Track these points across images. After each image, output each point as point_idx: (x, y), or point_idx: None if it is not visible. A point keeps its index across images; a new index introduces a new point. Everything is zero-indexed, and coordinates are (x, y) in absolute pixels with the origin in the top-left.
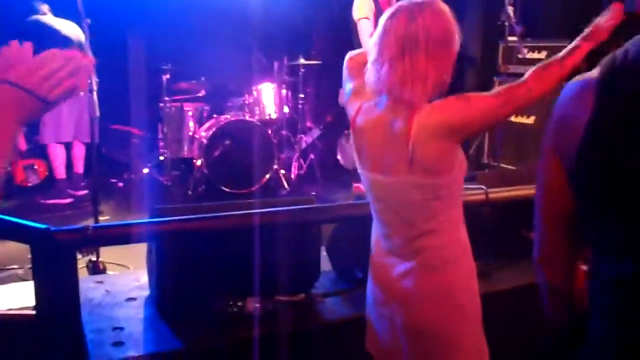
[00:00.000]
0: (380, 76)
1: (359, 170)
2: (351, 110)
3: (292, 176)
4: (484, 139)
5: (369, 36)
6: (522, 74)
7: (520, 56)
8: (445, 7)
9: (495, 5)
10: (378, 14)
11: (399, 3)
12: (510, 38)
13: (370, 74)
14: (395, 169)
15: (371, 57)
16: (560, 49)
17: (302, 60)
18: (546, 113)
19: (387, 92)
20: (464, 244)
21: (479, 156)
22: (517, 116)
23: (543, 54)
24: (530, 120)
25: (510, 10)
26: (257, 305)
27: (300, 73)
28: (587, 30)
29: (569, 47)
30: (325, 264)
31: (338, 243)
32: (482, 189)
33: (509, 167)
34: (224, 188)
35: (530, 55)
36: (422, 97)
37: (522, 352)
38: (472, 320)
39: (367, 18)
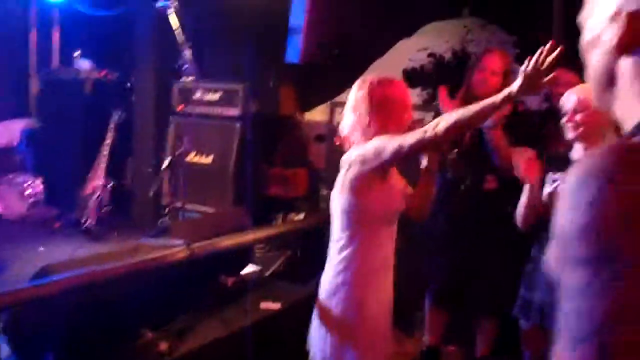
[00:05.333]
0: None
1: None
2: None
3: None
4: (163, 181)
5: None
6: (198, 114)
7: (197, 97)
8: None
9: (169, 48)
10: None
11: None
12: (184, 79)
13: None
14: None
15: None
16: (233, 90)
17: None
18: (224, 152)
19: None
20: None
21: (159, 197)
22: (196, 155)
23: (217, 95)
24: (209, 159)
25: (187, 53)
26: None
27: None
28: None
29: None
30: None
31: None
32: (183, 244)
33: (193, 206)
34: None
35: (206, 97)
36: None
37: None
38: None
39: None
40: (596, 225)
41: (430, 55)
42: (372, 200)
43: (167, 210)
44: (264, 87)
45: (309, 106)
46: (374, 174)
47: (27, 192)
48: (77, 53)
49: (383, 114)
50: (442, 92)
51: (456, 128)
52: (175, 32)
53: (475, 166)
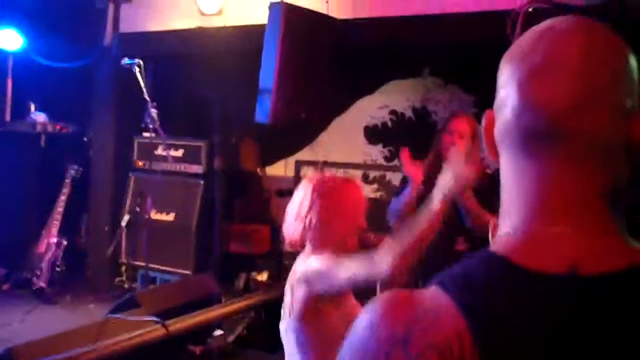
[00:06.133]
0: None
1: None
2: None
3: None
4: (121, 239)
5: None
6: (160, 170)
7: (158, 153)
8: None
9: (130, 103)
10: None
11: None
12: (146, 135)
13: None
14: None
15: None
16: (195, 148)
17: None
18: (186, 210)
19: None
20: None
21: (116, 256)
22: (156, 213)
23: (179, 152)
24: (170, 217)
25: (154, 112)
26: None
27: None
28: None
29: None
30: None
31: None
32: (158, 322)
33: (154, 265)
34: None
35: (168, 153)
36: None
37: None
38: None
39: None
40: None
41: (391, 112)
42: (322, 328)
43: (124, 269)
44: (226, 143)
45: (270, 161)
46: (321, 299)
47: None
48: (32, 105)
49: (335, 218)
50: (405, 154)
51: (405, 258)
52: (141, 89)
53: (446, 226)
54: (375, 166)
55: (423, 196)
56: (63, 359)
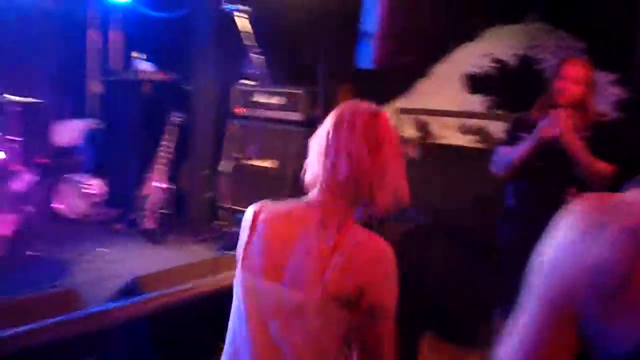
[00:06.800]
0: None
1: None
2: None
3: (9, 234)
4: (221, 184)
5: None
6: (259, 118)
7: (258, 100)
8: None
9: (231, 51)
10: None
11: None
12: (245, 82)
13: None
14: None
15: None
16: (296, 95)
17: (7, 97)
18: (284, 157)
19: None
20: None
21: (216, 200)
22: (255, 159)
23: (279, 99)
24: (269, 163)
25: (255, 57)
26: None
27: (6, 111)
28: None
29: None
30: None
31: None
32: None
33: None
34: None
35: (268, 101)
36: None
37: None
38: None
39: None
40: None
41: (494, 60)
42: None
43: (222, 213)
44: (326, 91)
45: None
46: None
47: (87, 192)
48: (136, 54)
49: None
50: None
51: None
52: (243, 36)
53: (556, 176)
54: (476, 115)
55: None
56: (186, 289)
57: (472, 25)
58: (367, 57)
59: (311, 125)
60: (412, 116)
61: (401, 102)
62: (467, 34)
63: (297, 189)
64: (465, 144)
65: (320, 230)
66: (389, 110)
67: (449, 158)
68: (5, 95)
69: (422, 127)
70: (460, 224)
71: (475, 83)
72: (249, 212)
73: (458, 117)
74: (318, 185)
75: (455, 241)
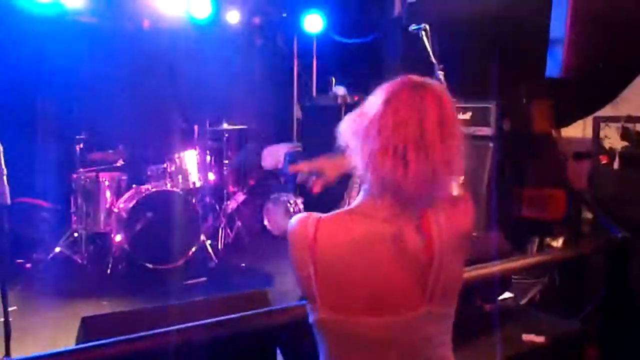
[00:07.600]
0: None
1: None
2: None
3: (220, 246)
4: None
5: None
6: None
7: None
8: None
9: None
10: None
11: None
12: None
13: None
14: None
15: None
16: (483, 110)
17: (225, 125)
18: (476, 173)
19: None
20: None
21: None
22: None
23: (468, 115)
24: (460, 179)
25: (441, 75)
26: None
27: (224, 138)
28: None
29: None
30: None
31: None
32: None
33: None
34: (146, 264)
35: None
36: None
37: None
38: None
39: None
40: None
41: None
42: None
43: None
44: (516, 104)
45: (565, 121)
46: None
47: (290, 210)
48: (333, 80)
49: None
50: None
51: None
52: (428, 53)
53: None
54: None
55: None
56: None
57: None
58: (555, 65)
59: (501, 139)
60: (616, 124)
61: (602, 113)
62: None
63: (491, 205)
64: None
65: (400, 244)
66: (588, 123)
67: None
68: (224, 124)
69: (629, 136)
70: None
71: None
72: (301, 229)
73: None
74: (380, 190)
75: None
